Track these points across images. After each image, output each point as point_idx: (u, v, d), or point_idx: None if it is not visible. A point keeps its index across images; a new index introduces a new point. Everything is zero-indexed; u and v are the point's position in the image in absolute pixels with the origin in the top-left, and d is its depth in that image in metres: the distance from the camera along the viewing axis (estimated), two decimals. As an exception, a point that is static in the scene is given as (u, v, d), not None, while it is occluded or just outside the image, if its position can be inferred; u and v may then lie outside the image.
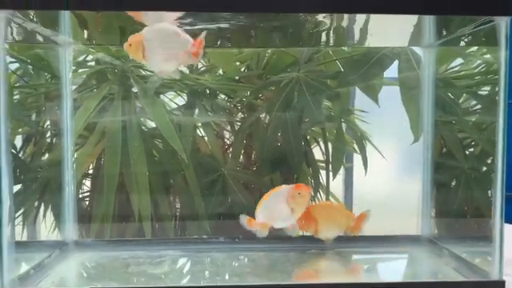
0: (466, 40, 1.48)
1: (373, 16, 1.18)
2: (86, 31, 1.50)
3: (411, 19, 1.23)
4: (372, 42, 1.55)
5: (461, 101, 1.82)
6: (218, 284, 1.26)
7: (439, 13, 1.00)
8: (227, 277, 1.34)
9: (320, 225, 1.46)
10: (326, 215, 1.48)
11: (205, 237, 1.64)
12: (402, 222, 1.79)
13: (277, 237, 1.50)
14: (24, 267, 1.26)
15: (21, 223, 1.72)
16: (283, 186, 1.37)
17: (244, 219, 1.35)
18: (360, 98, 1.85)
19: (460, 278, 1.28)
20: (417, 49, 1.64)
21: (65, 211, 1.57)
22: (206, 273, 1.37)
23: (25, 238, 1.72)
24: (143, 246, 1.57)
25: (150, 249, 1.51)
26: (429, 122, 1.62)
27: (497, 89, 1.18)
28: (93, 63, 1.85)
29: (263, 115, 1.84)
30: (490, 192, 1.26)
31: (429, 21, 1.25)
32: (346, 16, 1.22)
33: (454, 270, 1.35)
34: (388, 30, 1.39)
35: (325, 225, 1.47)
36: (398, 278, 1.34)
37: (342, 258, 1.51)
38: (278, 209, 1.34)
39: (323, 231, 1.47)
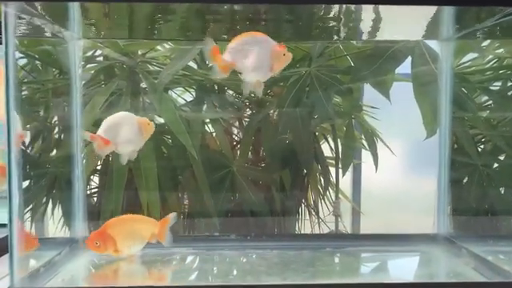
0: (485, 33, 1.45)
1: (386, 8, 1.16)
2: (93, 26, 1.49)
3: (427, 11, 1.21)
4: (385, 35, 1.53)
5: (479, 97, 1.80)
6: (231, 283, 1.24)
7: (465, 3, 0.98)
8: (239, 275, 1.32)
9: (119, 242, 1.33)
10: (124, 230, 1.34)
11: (216, 234, 1.62)
12: (415, 219, 1.77)
13: (290, 235, 1.47)
14: (34, 265, 1.25)
15: (29, 220, 1.71)
16: (265, 37, 1.19)
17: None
18: (369, 94, 1.83)
19: (481, 279, 1.25)
20: (434, 42, 1.61)
21: (74, 208, 1.56)
22: (217, 271, 1.36)
23: (33, 235, 1.71)
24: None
25: (159, 246, 1.50)
26: (446, 117, 1.59)
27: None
28: (101, 58, 1.84)
29: (272, 111, 1.83)
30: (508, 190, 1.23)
31: (448, 13, 1.22)
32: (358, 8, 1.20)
33: (473, 270, 1.32)
34: (402, 23, 1.36)
35: (125, 241, 1.34)
36: (414, 278, 1.31)
37: (355, 258, 1.49)
38: (256, 57, 1.17)
39: (125, 248, 1.34)
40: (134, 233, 1.35)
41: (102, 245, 1.31)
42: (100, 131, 1.25)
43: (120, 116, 1.26)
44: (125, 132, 1.24)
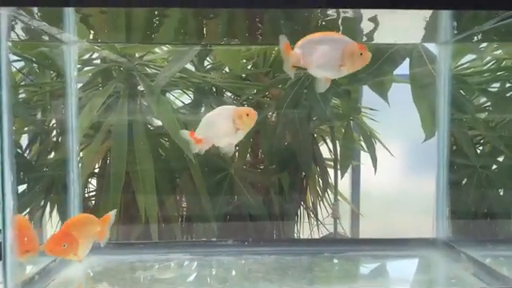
0: (483, 36, 1.44)
1: (385, 11, 1.15)
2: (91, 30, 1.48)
3: (425, 15, 1.20)
4: (383, 38, 1.52)
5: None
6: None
7: (463, 7, 0.97)
8: (237, 281, 1.31)
9: (81, 245, 1.19)
10: (84, 231, 1.21)
11: (213, 240, 1.61)
12: (414, 221, 1.76)
13: (288, 240, 1.46)
14: (28, 272, 1.24)
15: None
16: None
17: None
18: (367, 96, 1.83)
19: (480, 285, 1.24)
20: (432, 45, 1.61)
21: (70, 212, 1.55)
22: (214, 276, 1.35)
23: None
24: (150, 248, 1.55)
25: (157, 252, 1.49)
26: (445, 119, 1.58)
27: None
28: (98, 61, 1.83)
29: (270, 113, 1.82)
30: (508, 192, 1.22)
31: (445, 16, 1.22)
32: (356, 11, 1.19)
33: (473, 275, 1.30)
34: (400, 26, 1.35)
35: (84, 243, 1.20)
36: (414, 284, 1.30)
37: (354, 263, 1.48)
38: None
39: (83, 250, 1.20)
40: (89, 234, 1.24)
41: (68, 247, 1.17)
42: (198, 128, 1.23)
43: (217, 110, 1.23)
44: (220, 126, 1.21)
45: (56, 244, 1.16)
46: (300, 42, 1.16)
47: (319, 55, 1.14)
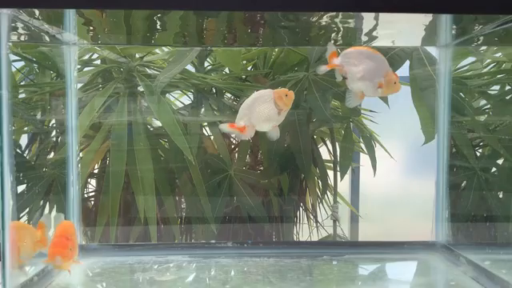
0: (483, 40, 1.44)
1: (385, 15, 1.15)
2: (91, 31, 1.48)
3: (425, 18, 1.20)
4: (383, 41, 1.52)
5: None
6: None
7: (463, 11, 0.98)
8: (236, 284, 1.31)
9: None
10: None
11: (213, 241, 1.61)
12: (414, 224, 1.76)
13: (287, 242, 1.45)
14: (28, 273, 1.23)
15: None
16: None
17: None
18: (367, 98, 1.82)
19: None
20: (432, 49, 1.61)
21: (69, 212, 1.54)
22: (214, 279, 1.34)
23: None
24: (149, 250, 1.54)
25: (156, 253, 1.48)
26: (444, 122, 1.58)
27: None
28: (98, 62, 1.83)
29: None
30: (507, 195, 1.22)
31: (446, 20, 1.22)
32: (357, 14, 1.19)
33: (472, 279, 1.31)
34: (401, 29, 1.36)
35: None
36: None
37: (353, 266, 1.48)
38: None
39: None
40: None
41: (72, 252, 1.17)
42: (238, 117, 1.23)
43: (254, 95, 1.22)
44: (262, 111, 1.21)
45: (66, 248, 1.15)
46: (347, 51, 1.18)
47: (363, 70, 1.16)
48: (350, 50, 1.19)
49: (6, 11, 1.08)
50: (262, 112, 1.20)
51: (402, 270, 1.52)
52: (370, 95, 1.21)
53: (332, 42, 1.21)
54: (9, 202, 1.10)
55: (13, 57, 1.72)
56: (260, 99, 1.21)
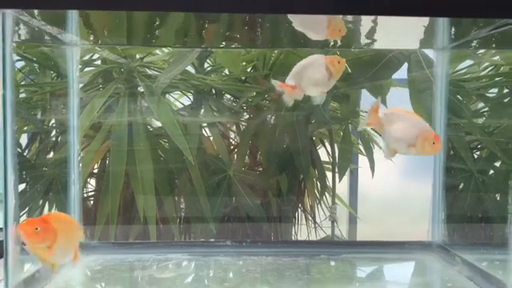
0: (480, 43, 1.46)
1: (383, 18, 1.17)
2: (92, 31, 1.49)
3: (422, 21, 1.21)
4: (381, 43, 1.54)
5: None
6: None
7: (460, 15, 0.99)
8: (234, 282, 1.32)
9: (59, 242, 1.09)
10: (67, 231, 1.13)
11: (211, 240, 1.62)
12: (411, 225, 1.77)
13: (285, 241, 1.46)
14: (29, 270, 1.25)
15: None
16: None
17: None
18: (365, 99, 1.84)
19: (474, 288, 1.26)
20: (430, 51, 1.62)
21: (70, 211, 1.55)
22: (212, 277, 1.35)
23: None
24: (149, 248, 1.56)
25: (155, 252, 1.49)
26: (441, 124, 1.60)
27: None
28: (99, 62, 1.84)
29: (269, 116, 1.83)
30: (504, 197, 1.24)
31: (443, 23, 1.23)
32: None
33: (468, 278, 1.32)
34: (398, 32, 1.37)
35: (64, 243, 1.11)
36: (409, 287, 1.30)
37: (350, 265, 1.49)
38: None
39: (60, 251, 1.10)
40: (72, 238, 1.17)
41: (42, 233, 1.06)
42: (289, 77, 1.26)
43: (307, 59, 1.25)
44: (312, 75, 1.23)
45: (30, 225, 1.07)
46: (388, 111, 1.24)
47: (397, 130, 1.21)
48: (390, 111, 1.24)
49: (10, 12, 1.09)
50: (313, 76, 1.23)
51: (398, 270, 1.54)
52: (404, 153, 1.25)
53: (380, 98, 1.29)
54: (12, 201, 1.12)
55: (14, 57, 1.73)
56: (312, 63, 1.23)
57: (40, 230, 1.07)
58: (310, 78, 1.23)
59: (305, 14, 1.10)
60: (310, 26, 1.19)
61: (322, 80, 1.23)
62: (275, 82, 1.26)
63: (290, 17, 1.17)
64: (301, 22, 1.18)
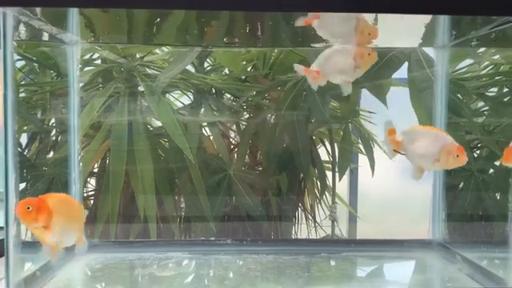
0: (480, 41, 1.46)
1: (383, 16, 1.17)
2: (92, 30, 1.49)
3: (423, 19, 1.22)
4: (381, 42, 1.54)
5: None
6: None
7: (461, 13, 0.99)
8: (235, 280, 1.32)
9: (55, 222, 1.07)
10: (66, 213, 1.11)
11: (212, 239, 1.62)
12: (411, 224, 1.77)
13: (285, 240, 1.46)
14: (29, 268, 1.25)
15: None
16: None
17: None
18: (365, 98, 1.84)
19: (474, 285, 1.25)
20: (430, 50, 1.62)
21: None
22: (214, 275, 1.36)
23: (29, 238, 1.71)
24: (149, 247, 1.56)
25: (156, 250, 1.50)
26: (442, 123, 1.60)
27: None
28: (99, 61, 1.84)
29: (269, 115, 1.83)
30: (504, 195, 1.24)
31: (443, 21, 1.23)
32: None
33: (468, 276, 1.33)
34: (398, 31, 1.37)
35: (62, 224, 1.09)
36: (410, 284, 1.31)
37: (351, 263, 1.49)
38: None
39: (58, 232, 1.08)
40: (73, 219, 1.14)
41: (34, 212, 1.05)
42: (315, 63, 1.27)
43: (338, 47, 1.25)
44: (337, 62, 1.24)
45: (23, 205, 1.06)
46: (406, 130, 1.26)
47: (419, 147, 1.23)
48: (409, 130, 1.27)
49: (11, 11, 1.09)
50: (338, 63, 1.23)
51: (399, 268, 1.54)
52: (431, 169, 1.28)
53: (391, 121, 1.29)
54: (12, 200, 1.12)
55: (14, 56, 1.73)
56: (340, 51, 1.23)
57: (32, 209, 1.05)
58: (335, 65, 1.23)
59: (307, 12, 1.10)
60: (334, 30, 1.19)
61: (347, 69, 1.23)
62: (299, 67, 1.26)
63: (315, 24, 1.17)
64: (322, 27, 1.18)
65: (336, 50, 1.24)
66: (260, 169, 1.89)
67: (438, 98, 1.60)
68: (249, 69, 1.93)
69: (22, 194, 1.65)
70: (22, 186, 1.70)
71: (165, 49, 1.87)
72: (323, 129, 1.90)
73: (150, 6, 1.05)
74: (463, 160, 1.19)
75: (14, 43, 1.15)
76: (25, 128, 1.81)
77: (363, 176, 2.01)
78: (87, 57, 1.83)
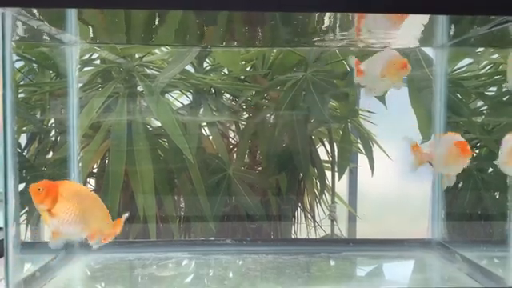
0: (479, 41, 1.47)
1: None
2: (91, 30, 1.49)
3: (421, 19, 1.22)
4: (381, 42, 1.54)
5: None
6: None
7: (459, 13, 1.00)
8: (235, 280, 1.32)
9: (59, 208, 1.08)
10: (77, 203, 1.10)
11: (211, 239, 1.62)
12: (410, 223, 1.77)
13: (285, 239, 1.47)
14: (29, 269, 1.25)
15: (24, 222, 1.71)
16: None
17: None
18: (365, 98, 1.84)
19: (474, 285, 1.26)
20: (428, 49, 1.63)
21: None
22: (214, 275, 1.36)
23: (28, 239, 1.71)
24: (149, 247, 1.56)
25: (155, 250, 1.50)
26: (441, 122, 1.60)
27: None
28: (98, 61, 1.84)
29: (269, 115, 1.83)
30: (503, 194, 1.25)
31: (442, 21, 1.24)
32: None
33: (467, 275, 1.33)
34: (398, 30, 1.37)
35: (67, 213, 1.08)
36: (409, 284, 1.31)
37: (350, 263, 1.49)
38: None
39: (62, 219, 1.08)
40: (87, 213, 1.12)
41: (43, 195, 1.09)
42: (365, 62, 1.33)
43: (383, 54, 1.31)
44: (379, 68, 1.29)
45: (36, 186, 1.11)
46: (430, 142, 1.39)
47: (447, 156, 1.33)
48: (432, 141, 1.38)
49: (9, 11, 1.09)
50: (378, 70, 1.29)
51: (398, 267, 1.54)
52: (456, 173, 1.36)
53: (408, 136, 1.43)
54: (12, 201, 1.12)
55: (14, 57, 1.73)
56: (383, 58, 1.30)
57: (43, 191, 1.11)
58: (376, 71, 1.30)
59: (304, 13, 1.10)
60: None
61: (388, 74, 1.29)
62: (353, 59, 1.33)
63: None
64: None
65: (380, 56, 1.30)
66: (259, 169, 1.89)
67: (437, 97, 1.60)
68: (248, 69, 1.93)
69: (21, 195, 1.67)
70: (22, 186, 1.71)
71: (164, 49, 1.87)
72: (323, 128, 1.91)
73: (150, 6, 1.05)
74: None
75: (13, 43, 1.14)
76: (24, 128, 1.81)
77: (363, 175, 2.01)
78: (86, 57, 1.83)
